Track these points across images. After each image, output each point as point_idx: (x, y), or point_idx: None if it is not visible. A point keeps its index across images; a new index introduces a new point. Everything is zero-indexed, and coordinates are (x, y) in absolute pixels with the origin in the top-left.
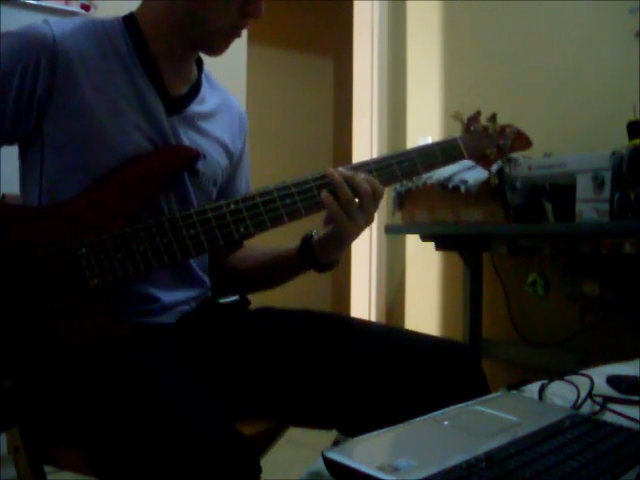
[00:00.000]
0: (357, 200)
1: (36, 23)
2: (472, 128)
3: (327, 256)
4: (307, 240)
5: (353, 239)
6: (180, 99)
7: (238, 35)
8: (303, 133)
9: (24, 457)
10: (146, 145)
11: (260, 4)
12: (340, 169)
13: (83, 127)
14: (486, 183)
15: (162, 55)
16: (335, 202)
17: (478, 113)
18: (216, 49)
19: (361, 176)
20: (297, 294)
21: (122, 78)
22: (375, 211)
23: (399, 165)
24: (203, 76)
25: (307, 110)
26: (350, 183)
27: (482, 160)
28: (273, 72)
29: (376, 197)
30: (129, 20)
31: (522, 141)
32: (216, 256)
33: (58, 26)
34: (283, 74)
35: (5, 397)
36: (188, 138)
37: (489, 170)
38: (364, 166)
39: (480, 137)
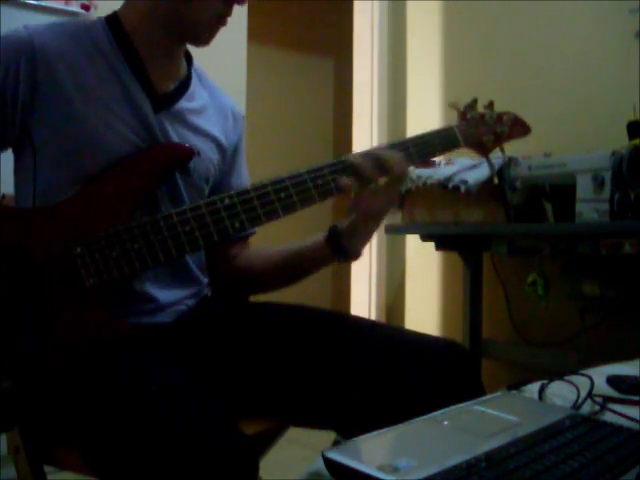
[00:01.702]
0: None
1: (16, 29)
2: (468, 116)
3: (354, 245)
4: (334, 230)
5: (379, 223)
6: (168, 95)
7: (224, 24)
8: (303, 133)
9: (24, 457)
10: (135, 142)
11: None
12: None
13: (70, 127)
14: (486, 183)
15: (147, 52)
16: (356, 185)
17: (475, 101)
18: (203, 40)
19: (390, 153)
20: (297, 294)
21: (107, 76)
22: (398, 189)
23: None
24: (193, 72)
25: (307, 110)
26: (378, 161)
27: (479, 148)
28: (273, 72)
29: (401, 174)
30: (112, 19)
31: (520, 127)
32: (222, 257)
33: (36, 29)
34: (283, 74)
35: (4, 398)
36: (177, 134)
37: (487, 158)
38: None
39: (477, 124)
